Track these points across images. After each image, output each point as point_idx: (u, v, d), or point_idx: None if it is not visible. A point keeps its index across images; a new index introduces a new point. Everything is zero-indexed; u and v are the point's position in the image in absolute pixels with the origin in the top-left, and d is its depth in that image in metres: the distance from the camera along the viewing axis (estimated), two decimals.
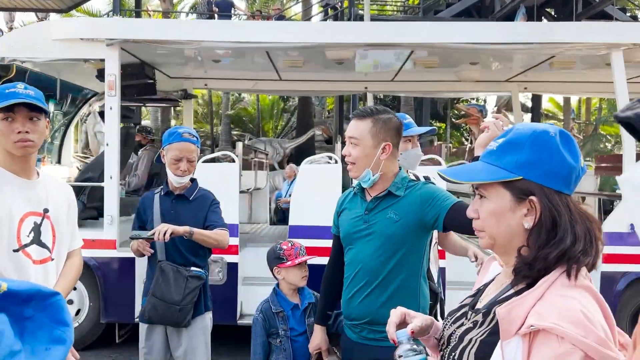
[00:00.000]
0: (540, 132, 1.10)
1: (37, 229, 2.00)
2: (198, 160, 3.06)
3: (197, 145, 2.78)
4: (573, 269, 1.03)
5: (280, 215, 9.03)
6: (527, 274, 1.06)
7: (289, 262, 2.47)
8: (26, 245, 1.96)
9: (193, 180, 2.85)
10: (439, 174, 1.20)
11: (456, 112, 17.11)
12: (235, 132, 20.35)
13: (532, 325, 0.96)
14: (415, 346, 1.17)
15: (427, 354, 1.17)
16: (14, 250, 1.92)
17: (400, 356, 1.16)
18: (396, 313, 1.27)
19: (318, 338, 2.29)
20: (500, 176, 1.10)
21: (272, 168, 14.54)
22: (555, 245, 1.04)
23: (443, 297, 2.84)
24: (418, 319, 1.26)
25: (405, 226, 1.98)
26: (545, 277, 1.04)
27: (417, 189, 2.05)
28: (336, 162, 4.83)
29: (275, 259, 2.54)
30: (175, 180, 2.74)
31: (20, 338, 0.82)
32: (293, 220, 4.44)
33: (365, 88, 6.57)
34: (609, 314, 1.02)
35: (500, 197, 1.10)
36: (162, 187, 2.85)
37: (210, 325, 2.83)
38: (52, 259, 2.05)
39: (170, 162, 2.72)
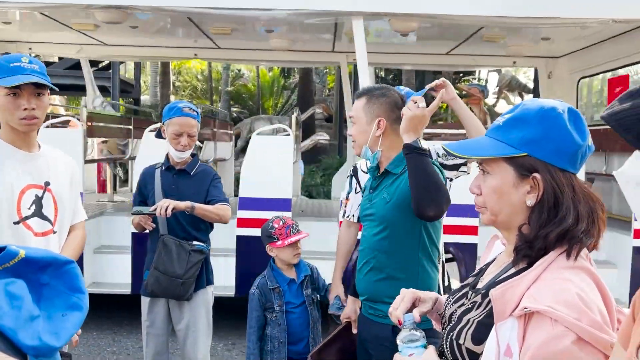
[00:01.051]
0: (548, 109, 1.08)
1: (38, 201, 2.00)
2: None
3: (197, 120, 2.77)
4: (574, 249, 1.02)
5: None
6: (527, 253, 1.05)
7: (280, 243, 2.49)
8: (27, 218, 1.97)
9: (194, 155, 2.85)
10: (443, 148, 1.19)
11: (457, 92, 17.02)
12: (234, 109, 20.24)
13: (525, 308, 0.96)
14: (416, 332, 1.16)
15: (426, 343, 1.16)
16: (15, 223, 1.93)
17: (402, 341, 1.16)
18: (408, 296, 1.26)
19: (349, 308, 2.34)
20: (505, 152, 1.08)
21: None
22: (556, 224, 1.03)
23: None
24: (426, 305, 1.27)
25: (395, 207, 1.96)
26: (544, 257, 1.03)
27: None
28: (288, 134, 4.77)
29: (267, 237, 2.55)
30: (175, 155, 2.74)
31: (37, 304, 0.83)
32: (243, 192, 4.35)
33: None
34: (607, 295, 1.01)
35: (503, 173, 1.09)
36: (162, 162, 2.84)
37: (211, 299, 2.85)
38: (54, 232, 2.05)
39: (171, 137, 2.71)
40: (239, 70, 24.56)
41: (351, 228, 2.62)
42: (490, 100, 17.66)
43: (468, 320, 1.11)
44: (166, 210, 2.49)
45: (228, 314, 4.77)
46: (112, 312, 4.96)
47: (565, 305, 0.93)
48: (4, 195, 1.92)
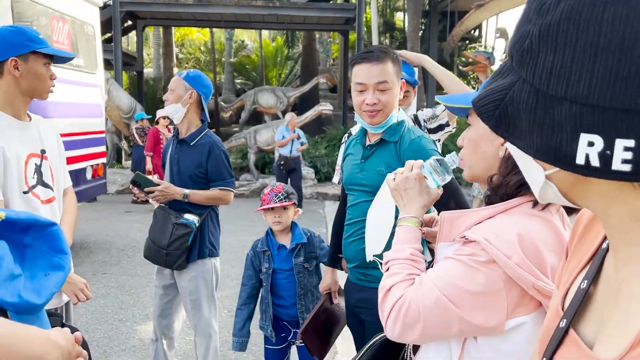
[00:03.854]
0: None
1: (38, 170, 2.05)
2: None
3: (186, 81, 2.76)
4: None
5: (288, 163, 9.04)
6: (492, 199, 1.09)
7: (259, 207, 2.56)
8: (33, 187, 2.02)
9: (203, 122, 2.81)
10: (436, 101, 1.22)
11: (463, 59, 16.80)
12: (238, 81, 20.12)
13: (464, 237, 1.01)
14: (442, 174, 1.24)
15: (440, 185, 1.27)
16: (24, 192, 1.97)
17: (430, 163, 1.24)
18: (431, 216, 1.39)
19: (328, 279, 2.36)
20: None
21: (276, 117, 14.47)
22: (518, 173, 1.05)
23: None
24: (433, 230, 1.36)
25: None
26: (507, 201, 1.06)
27: (410, 139, 1.93)
28: None
29: (260, 201, 2.62)
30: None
31: (21, 264, 0.86)
32: None
33: None
34: (563, 245, 1.03)
35: (481, 125, 1.12)
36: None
37: (212, 271, 2.82)
38: (55, 198, 2.11)
39: None
40: (242, 41, 24.31)
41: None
42: (496, 67, 17.42)
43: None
44: (157, 201, 2.66)
45: (234, 281, 4.86)
46: (119, 280, 5.08)
47: (502, 240, 0.97)
48: (14, 164, 1.95)
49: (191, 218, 2.69)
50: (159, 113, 8.17)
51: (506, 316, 0.97)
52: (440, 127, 2.66)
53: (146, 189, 2.63)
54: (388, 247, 1.30)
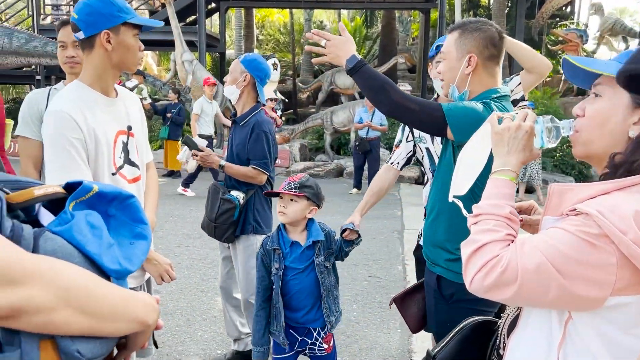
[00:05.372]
0: None
1: (125, 148, 1.95)
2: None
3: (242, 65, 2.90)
4: None
5: (363, 144, 9.00)
6: (609, 177, 1.00)
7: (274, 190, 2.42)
8: (120, 167, 1.92)
9: (257, 106, 2.91)
10: (565, 59, 1.12)
11: (553, 37, 15.81)
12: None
13: (574, 209, 0.95)
14: (553, 133, 1.16)
15: (544, 146, 1.19)
16: (112, 174, 1.89)
17: (544, 119, 1.17)
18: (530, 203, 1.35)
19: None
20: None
21: (353, 98, 14.41)
22: None
23: None
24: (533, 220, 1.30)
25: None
26: (625, 177, 0.97)
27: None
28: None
29: None
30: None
31: (108, 234, 0.92)
32: None
33: None
34: None
35: (616, 98, 1.03)
36: None
37: (254, 247, 2.85)
38: (141, 177, 2.03)
39: None
40: (321, 22, 24.29)
41: (389, 173, 2.66)
42: (589, 46, 16.28)
43: None
44: (196, 163, 2.86)
45: None
46: (201, 252, 5.32)
47: (617, 215, 0.90)
48: (104, 146, 1.84)
49: (235, 194, 2.83)
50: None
51: (610, 293, 0.91)
52: (515, 102, 2.54)
53: (193, 151, 2.89)
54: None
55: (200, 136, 8.38)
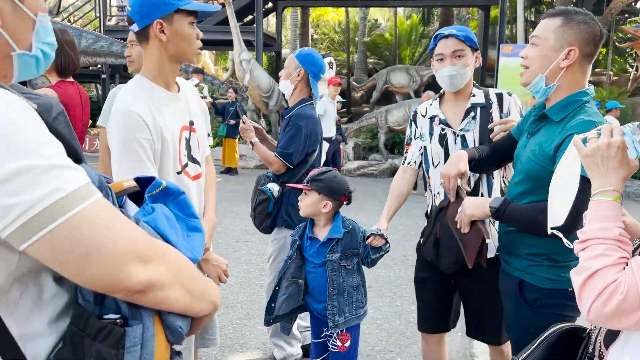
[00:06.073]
0: None
1: (187, 144, 1.89)
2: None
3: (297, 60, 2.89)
4: None
5: None
6: None
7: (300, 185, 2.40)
8: (185, 166, 1.87)
9: (304, 100, 2.91)
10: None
11: (620, 34, 15.07)
12: (370, 60, 20.09)
13: None
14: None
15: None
16: (177, 173, 1.83)
17: (629, 126, 1.12)
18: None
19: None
20: None
21: (408, 96, 14.25)
22: None
23: None
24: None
25: (541, 169, 1.72)
26: None
27: (574, 121, 1.68)
28: None
29: None
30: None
31: None
32: None
33: None
34: None
35: None
36: None
37: (284, 242, 2.85)
38: (202, 175, 1.98)
39: None
40: (376, 20, 24.18)
41: (407, 174, 2.42)
42: None
43: None
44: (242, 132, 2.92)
45: None
46: (258, 248, 5.42)
47: None
48: (170, 144, 1.78)
49: (270, 187, 2.85)
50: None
51: None
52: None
53: (241, 119, 2.96)
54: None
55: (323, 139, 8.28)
